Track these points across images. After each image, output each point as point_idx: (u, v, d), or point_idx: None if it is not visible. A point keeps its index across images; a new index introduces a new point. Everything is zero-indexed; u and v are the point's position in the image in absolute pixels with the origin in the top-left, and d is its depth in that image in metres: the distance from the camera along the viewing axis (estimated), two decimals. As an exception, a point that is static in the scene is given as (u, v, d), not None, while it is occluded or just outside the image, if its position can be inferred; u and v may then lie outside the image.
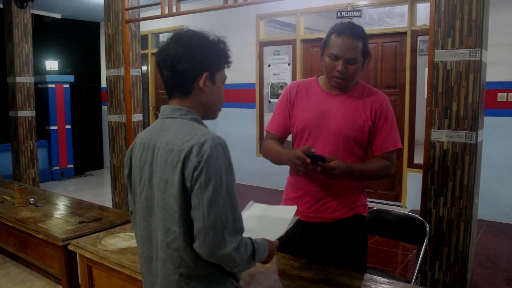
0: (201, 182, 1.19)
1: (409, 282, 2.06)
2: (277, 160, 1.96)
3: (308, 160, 1.72)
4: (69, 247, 2.31)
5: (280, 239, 2.03)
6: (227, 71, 1.41)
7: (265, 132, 2.16)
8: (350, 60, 1.82)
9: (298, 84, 2.03)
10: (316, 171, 1.74)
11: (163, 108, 1.38)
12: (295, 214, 1.76)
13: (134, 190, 1.40)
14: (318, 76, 2.02)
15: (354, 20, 5.73)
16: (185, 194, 1.23)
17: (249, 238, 1.34)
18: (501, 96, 4.77)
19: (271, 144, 2.00)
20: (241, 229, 1.26)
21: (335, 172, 1.73)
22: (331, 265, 1.87)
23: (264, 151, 2.05)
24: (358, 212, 1.95)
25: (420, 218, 2.28)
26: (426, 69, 2.61)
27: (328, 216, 1.92)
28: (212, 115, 1.43)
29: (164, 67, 1.32)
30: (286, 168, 2.03)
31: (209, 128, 1.32)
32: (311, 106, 1.93)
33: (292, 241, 1.97)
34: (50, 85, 7.43)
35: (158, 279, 1.35)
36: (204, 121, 1.39)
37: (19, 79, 5.68)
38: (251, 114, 6.72)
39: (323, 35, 1.92)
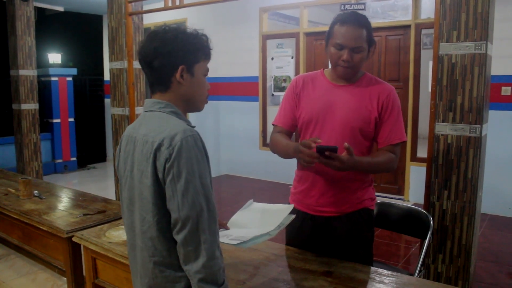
0: (174, 174, 1.23)
1: (412, 275, 2.06)
2: (284, 153, 1.94)
3: (309, 150, 1.66)
4: (74, 239, 2.32)
5: (289, 232, 2.04)
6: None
7: (271, 127, 2.16)
8: (355, 48, 1.80)
9: (304, 76, 2.01)
10: (321, 162, 1.68)
11: (146, 102, 1.43)
12: (295, 210, 1.77)
13: (121, 181, 1.45)
14: (324, 69, 2.01)
15: (358, 13, 5.70)
16: (158, 185, 1.27)
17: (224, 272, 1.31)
18: (505, 90, 4.75)
19: (278, 138, 1.98)
20: (215, 219, 1.28)
21: (340, 166, 1.66)
22: (338, 258, 1.87)
23: (271, 145, 2.03)
24: (365, 206, 1.94)
25: (424, 211, 2.28)
26: (430, 62, 2.61)
27: (335, 209, 1.91)
28: (196, 108, 1.45)
29: (143, 64, 1.37)
30: (289, 161, 2.03)
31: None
32: (317, 97, 1.92)
33: (300, 234, 1.98)
34: (53, 78, 7.44)
35: (138, 266, 1.40)
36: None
37: (22, 72, 5.68)
38: (254, 107, 6.71)
39: (326, 28, 1.91)
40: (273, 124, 2.07)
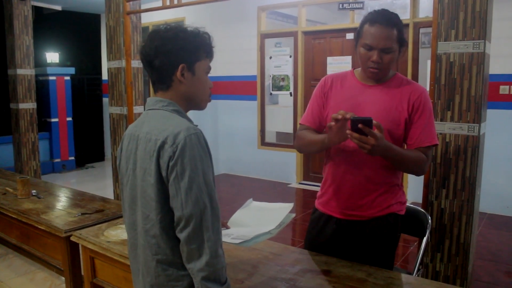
0: (177, 172, 1.23)
1: (410, 273, 2.07)
2: (317, 144, 1.84)
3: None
4: (72, 238, 2.32)
5: (309, 234, 2.02)
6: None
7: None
8: (385, 49, 1.74)
9: (333, 76, 1.95)
10: (354, 139, 1.59)
11: (148, 100, 1.43)
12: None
13: (122, 180, 1.45)
14: (354, 69, 1.95)
15: (356, 13, 5.70)
16: (162, 183, 1.27)
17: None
18: (503, 89, 4.76)
19: (306, 133, 1.91)
20: (218, 217, 1.28)
21: (373, 143, 1.57)
22: (357, 262, 1.83)
23: (297, 142, 1.95)
24: (393, 211, 1.87)
25: (422, 210, 2.28)
26: (428, 61, 2.60)
27: (361, 213, 1.86)
28: (198, 106, 1.46)
29: (145, 63, 1.37)
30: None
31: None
32: (345, 98, 1.86)
33: (322, 237, 1.96)
34: (51, 77, 7.42)
35: (140, 265, 1.40)
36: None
37: (20, 71, 5.66)
38: (252, 106, 6.70)
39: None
40: (299, 123, 2.01)
